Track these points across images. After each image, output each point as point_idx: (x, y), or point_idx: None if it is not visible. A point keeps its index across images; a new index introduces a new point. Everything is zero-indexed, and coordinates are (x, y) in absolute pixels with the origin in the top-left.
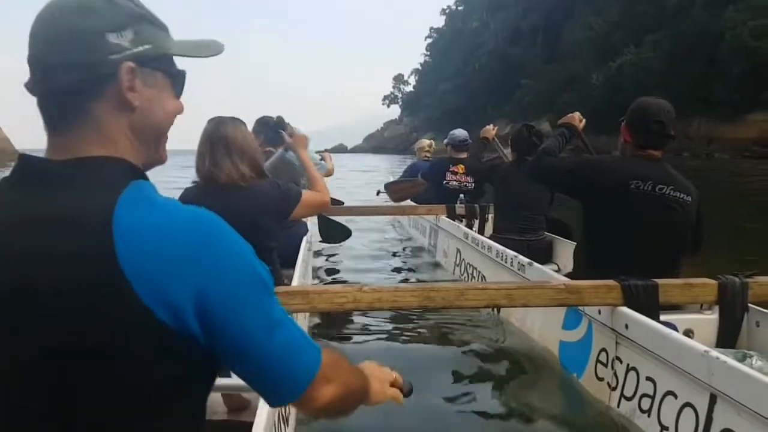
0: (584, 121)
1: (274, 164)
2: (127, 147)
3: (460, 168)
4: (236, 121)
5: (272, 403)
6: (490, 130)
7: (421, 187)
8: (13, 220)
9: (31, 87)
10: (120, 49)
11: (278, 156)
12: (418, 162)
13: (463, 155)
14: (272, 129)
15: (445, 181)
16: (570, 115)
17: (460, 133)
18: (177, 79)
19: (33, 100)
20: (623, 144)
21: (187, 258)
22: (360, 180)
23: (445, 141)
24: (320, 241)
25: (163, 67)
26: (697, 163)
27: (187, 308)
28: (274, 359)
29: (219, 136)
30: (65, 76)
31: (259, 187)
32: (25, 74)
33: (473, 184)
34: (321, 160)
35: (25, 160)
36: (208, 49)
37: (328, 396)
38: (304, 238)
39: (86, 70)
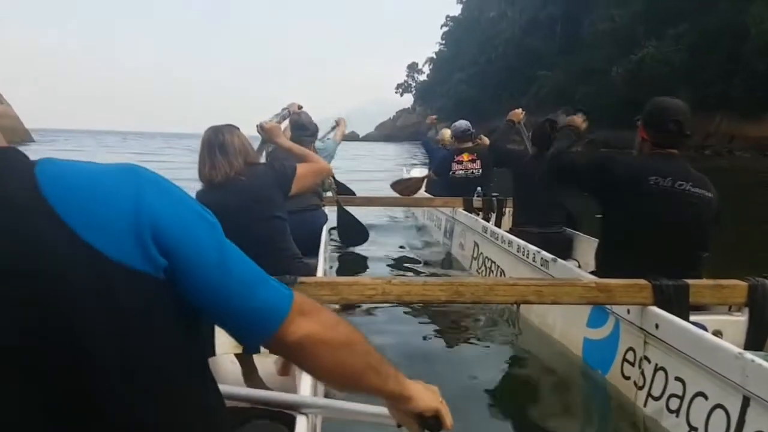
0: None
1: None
2: None
3: (465, 156)
4: (231, 128)
5: (248, 343)
6: (519, 113)
7: (424, 181)
8: None
9: None
10: None
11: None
12: (440, 149)
13: (467, 145)
14: (300, 128)
15: (451, 172)
16: (572, 117)
17: (461, 123)
18: None
19: (45, 77)
20: (640, 142)
21: (134, 197)
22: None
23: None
24: (338, 240)
25: None
26: (722, 163)
27: (148, 242)
28: (240, 288)
29: (217, 142)
30: None
31: (254, 171)
32: (34, 46)
33: (480, 171)
34: (331, 132)
35: None
36: None
37: (306, 329)
38: (324, 227)
39: None
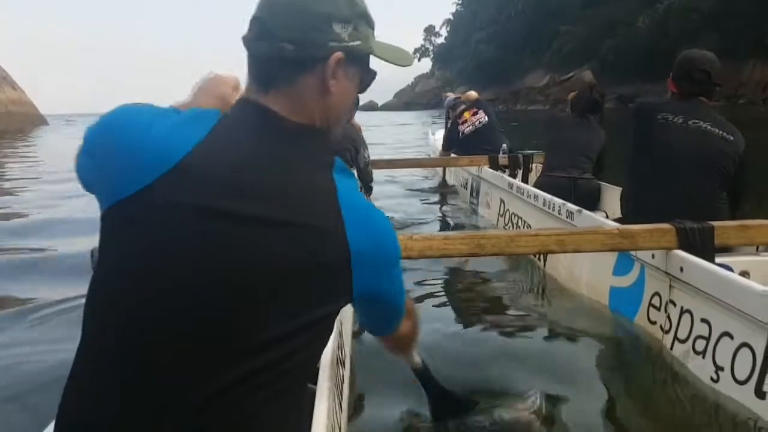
0: None
1: None
2: (318, 123)
3: (467, 115)
4: None
5: (377, 334)
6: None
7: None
8: (253, 162)
9: (250, 44)
10: (339, 39)
11: None
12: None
13: (462, 107)
14: None
15: (460, 134)
16: None
17: (449, 98)
18: (366, 77)
19: (60, 66)
20: (670, 96)
21: (383, 266)
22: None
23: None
24: None
25: (362, 64)
26: (759, 111)
27: (362, 293)
28: (392, 315)
29: None
30: (284, 45)
31: None
32: (46, 38)
33: (486, 118)
34: None
35: (264, 112)
36: (403, 59)
37: (405, 329)
38: None
39: (304, 48)
